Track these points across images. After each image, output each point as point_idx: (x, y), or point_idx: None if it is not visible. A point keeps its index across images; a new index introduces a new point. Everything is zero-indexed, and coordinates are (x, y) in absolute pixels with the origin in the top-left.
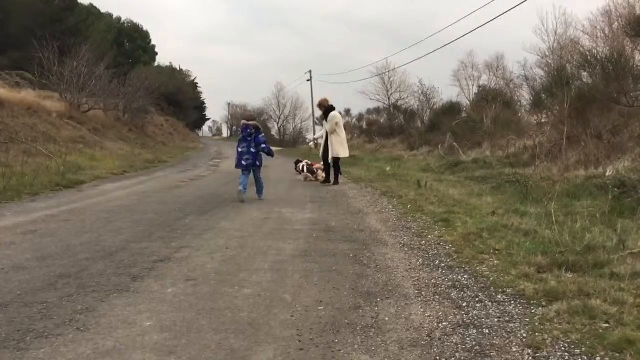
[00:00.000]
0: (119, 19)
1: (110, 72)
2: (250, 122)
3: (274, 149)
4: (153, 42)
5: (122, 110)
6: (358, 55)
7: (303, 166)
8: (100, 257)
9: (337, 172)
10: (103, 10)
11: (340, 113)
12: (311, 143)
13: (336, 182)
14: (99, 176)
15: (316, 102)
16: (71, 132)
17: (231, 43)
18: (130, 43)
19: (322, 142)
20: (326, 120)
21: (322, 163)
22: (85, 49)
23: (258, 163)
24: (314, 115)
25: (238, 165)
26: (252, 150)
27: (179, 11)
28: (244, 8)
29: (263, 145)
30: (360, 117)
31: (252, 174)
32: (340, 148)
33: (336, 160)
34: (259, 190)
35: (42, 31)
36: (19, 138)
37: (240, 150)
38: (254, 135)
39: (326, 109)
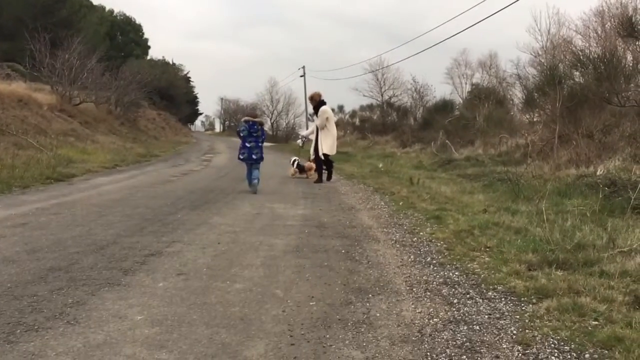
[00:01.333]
0: (111, 11)
1: (102, 65)
2: (257, 120)
3: (267, 144)
4: (146, 36)
5: (114, 104)
6: (352, 51)
7: (294, 161)
8: (91, 251)
9: (330, 168)
10: (95, 3)
11: (333, 110)
12: (299, 141)
13: (329, 178)
14: (90, 170)
15: (308, 95)
16: (62, 124)
17: (225, 38)
18: (123, 36)
19: (312, 137)
20: (317, 115)
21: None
22: (77, 41)
23: (263, 156)
24: (307, 111)
25: (248, 159)
26: (260, 144)
27: (173, 5)
28: (238, 3)
29: (263, 137)
30: (353, 114)
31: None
32: (328, 145)
33: (326, 156)
34: (258, 180)
35: (33, 23)
36: (10, 130)
37: (249, 145)
38: (260, 132)
39: (317, 103)
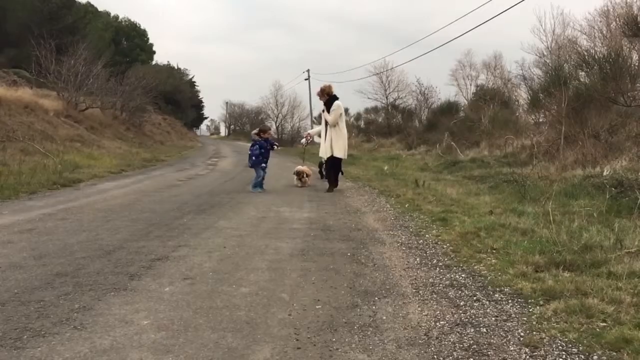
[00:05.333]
0: (116, 17)
1: (107, 71)
2: (260, 138)
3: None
4: (151, 41)
5: (119, 109)
6: (356, 54)
7: (302, 172)
8: (97, 256)
9: (337, 172)
10: (100, 9)
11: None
12: (303, 140)
13: (334, 184)
14: (96, 175)
15: (319, 87)
16: (68, 130)
17: (229, 42)
18: (128, 41)
19: (317, 139)
20: (327, 111)
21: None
22: (83, 47)
23: (264, 165)
24: (312, 114)
25: (253, 165)
26: (261, 153)
27: (178, 10)
28: (242, 7)
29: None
30: (358, 116)
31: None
32: (340, 147)
33: (338, 160)
34: (261, 183)
35: (39, 29)
36: (16, 136)
37: (253, 152)
38: (266, 144)
39: (329, 97)
